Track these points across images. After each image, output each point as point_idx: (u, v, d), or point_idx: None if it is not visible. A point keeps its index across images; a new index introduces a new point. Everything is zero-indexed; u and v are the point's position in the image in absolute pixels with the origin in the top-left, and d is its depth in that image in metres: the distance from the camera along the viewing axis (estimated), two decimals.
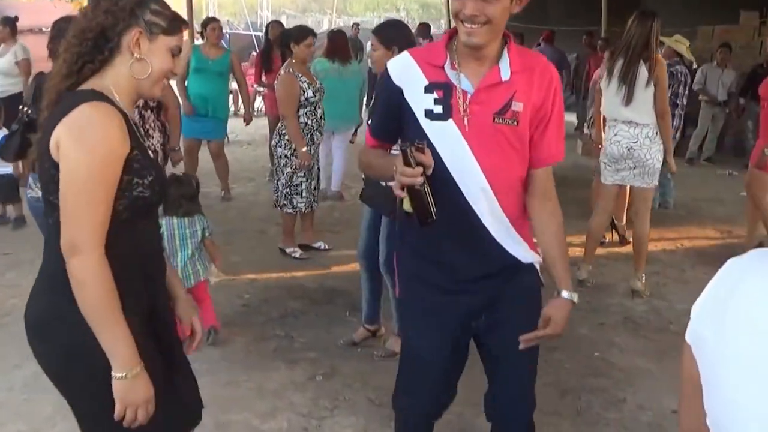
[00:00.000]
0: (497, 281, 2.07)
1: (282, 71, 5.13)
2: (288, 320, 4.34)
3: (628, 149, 4.58)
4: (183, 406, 1.97)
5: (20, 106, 3.80)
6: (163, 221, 3.79)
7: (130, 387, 1.69)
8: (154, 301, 1.87)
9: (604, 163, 4.75)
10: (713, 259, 5.56)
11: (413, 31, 9.97)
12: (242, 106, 14.15)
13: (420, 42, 9.54)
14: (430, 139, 1.92)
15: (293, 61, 5.10)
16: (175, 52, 1.83)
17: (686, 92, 6.03)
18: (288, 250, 5.49)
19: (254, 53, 15.02)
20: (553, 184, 2.11)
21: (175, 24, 1.81)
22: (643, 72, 4.45)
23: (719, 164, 9.39)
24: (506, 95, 1.91)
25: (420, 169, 1.78)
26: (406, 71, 1.99)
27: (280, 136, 5.19)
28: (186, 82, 6.62)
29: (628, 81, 4.48)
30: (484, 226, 1.99)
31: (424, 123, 1.95)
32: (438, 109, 1.93)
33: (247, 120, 7.13)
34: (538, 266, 2.14)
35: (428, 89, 1.94)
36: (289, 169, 5.19)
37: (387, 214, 3.48)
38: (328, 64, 6.51)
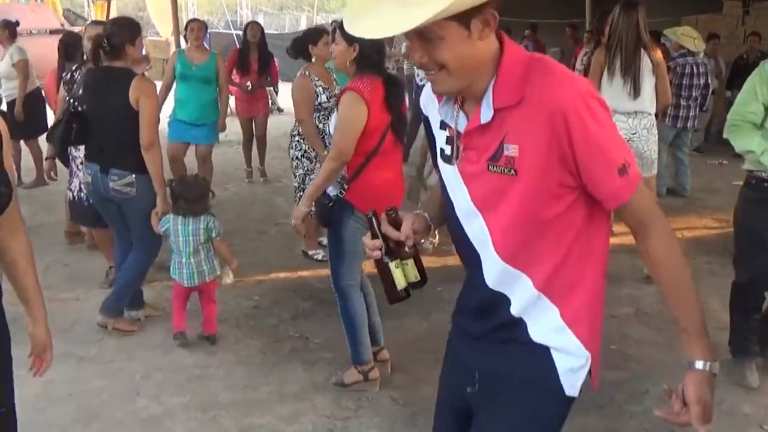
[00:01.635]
0: (500, 353, 1.66)
1: (299, 74, 4.98)
2: (300, 321, 4.31)
3: (627, 140, 4.59)
4: None
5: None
6: (169, 217, 3.79)
7: None
8: None
9: None
10: (714, 248, 5.63)
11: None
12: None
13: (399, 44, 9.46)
14: (445, 182, 1.64)
15: (313, 62, 4.94)
16: None
17: (689, 83, 6.07)
18: (310, 253, 5.45)
19: None
20: (653, 213, 1.54)
21: None
22: (646, 62, 4.48)
23: (708, 153, 9.46)
24: (496, 138, 1.48)
25: (377, 242, 1.57)
26: (429, 101, 1.67)
27: (291, 138, 5.12)
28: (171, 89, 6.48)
29: (632, 74, 4.50)
30: (493, 291, 1.61)
31: (440, 163, 1.65)
32: (447, 149, 1.61)
33: (222, 128, 6.72)
34: (588, 361, 1.69)
35: (443, 125, 1.62)
36: (300, 171, 5.07)
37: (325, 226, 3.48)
38: None
